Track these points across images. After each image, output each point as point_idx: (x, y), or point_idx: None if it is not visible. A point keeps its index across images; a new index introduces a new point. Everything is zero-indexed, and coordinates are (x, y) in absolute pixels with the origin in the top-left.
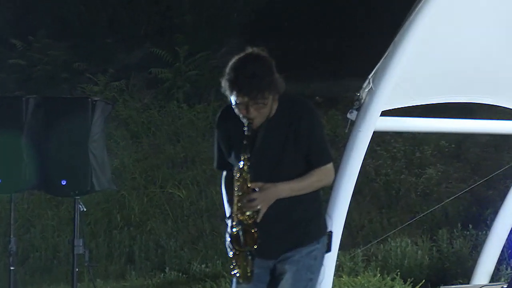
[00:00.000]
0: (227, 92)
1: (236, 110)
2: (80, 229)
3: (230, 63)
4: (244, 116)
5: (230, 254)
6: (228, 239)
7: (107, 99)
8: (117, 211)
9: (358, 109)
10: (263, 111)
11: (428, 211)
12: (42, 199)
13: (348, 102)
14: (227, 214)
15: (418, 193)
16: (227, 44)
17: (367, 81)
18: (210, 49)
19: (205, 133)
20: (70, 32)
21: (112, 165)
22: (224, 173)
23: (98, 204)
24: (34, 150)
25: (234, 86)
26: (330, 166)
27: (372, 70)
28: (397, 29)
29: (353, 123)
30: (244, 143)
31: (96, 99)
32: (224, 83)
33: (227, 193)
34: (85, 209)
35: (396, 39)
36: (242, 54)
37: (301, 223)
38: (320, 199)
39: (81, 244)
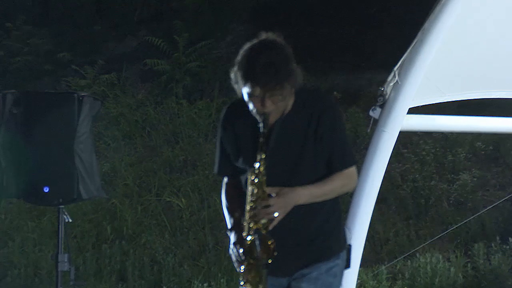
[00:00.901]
0: (238, 85)
1: (249, 105)
2: (65, 242)
3: (242, 51)
4: (258, 112)
5: (241, 268)
6: (240, 250)
7: (95, 95)
8: (107, 222)
9: (382, 106)
10: (280, 104)
11: (462, 223)
12: (22, 208)
13: (370, 98)
14: (229, 226)
15: (451, 201)
16: (233, 32)
17: (392, 74)
18: (214, 37)
19: (208, 134)
20: (53, 18)
21: (102, 170)
22: (226, 179)
23: (85, 215)
24: (13, 153)
25: (248, 76)
26: (353, 169)
27: (397, 61)
28: (426, 14)
29: (376, 122)
30: (260, 141)
31: (83, 94)
32: (235, 74)
33: (229, 202)
34: (70, 220)
35: (425, 25)
36: (255, 41)
37: (320, 235)
38: (340, 208)
39: (66, 260)
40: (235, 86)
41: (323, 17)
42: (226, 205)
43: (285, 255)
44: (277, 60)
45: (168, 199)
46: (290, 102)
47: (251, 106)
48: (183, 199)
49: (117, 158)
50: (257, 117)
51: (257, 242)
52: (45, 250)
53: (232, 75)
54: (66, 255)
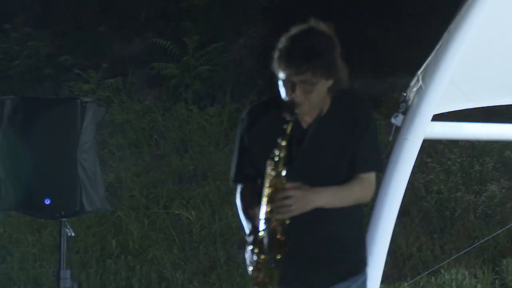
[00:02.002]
0: (275, 67)
1: (281, 92)
2: (67, 258)
3: (288, 33)
4: (287, 100)
5: (250, 269)
6: (250, 247)
7: (99, 100)
8: (112, 236)
9: (404, 113)
10: (311, 97)
11: (490, 236)
12: (21, 221)
13: (392, 104)
14: (247, 231)
15: (478, 214)
16: (246, 33)
17: (415, 78)
18: (226, 39)
19: (219, 142)
20: (54, 19)
21: (106, 181)
22: (240, 187)
23: (89, 228)
24: (11, 162)
25: (282, 56)
26: (373, 176)
27: (421, 65)
28: (452, 14)
29: (398, 130)
30: (284, 127)
31: (86, 100)
32: (275, 55)
33: (246, 205)
34: (73, 234)
35: (451, 26)
36: (303, 25)
37: (353, 247)
38: (364, 217)
39: (68, 277)
40: (274, 71)
41: (341, 17)
42: (243, 209)
43: (319, 268)
44: (318, 47)
45: (177, 212)
46: (327, 102)
47: (283, 93)
48: (192, 212)
49: (123, 168)
50: (287, 107)
51: (265, 238)
52: (46, 266)
53: (274, 59)
54: (68, 271)
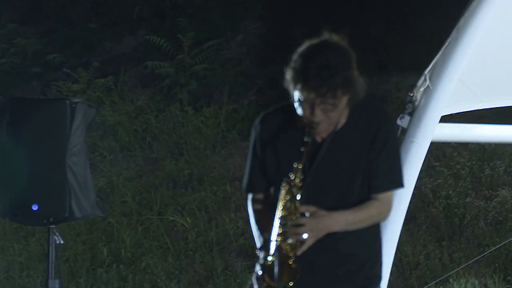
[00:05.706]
0: (290, 86)
1: (298, 110)
2: (56, 267)
3: (300, 49)
4: (305, 119)
5: None
6: (260, 272)
7: (90, 101)
8: (103, 244)
9: (411, 114)
10: (332, 115)
11: (501, 244)
12: (7, 229)
13: (398, 105)
14: (258, 245)
15: (488, 221)
16: (245, 30)
17: (422, 78)
18: (223, 36)
19: (216, 145)
20: (42, 15)
21: (97, 185)
22: (250, 195)
23: (78, 235)
24: None
25: (300, 77)
26: (390, 194)
27: (429, 63)
28: (461, 10)
29: (405, 132)
30: (301, 150)
31: (76, 100)
32: (288, 73)
33: (259, 217)
34: (62, 242)
35: (460, 23)
36: (316, 40)
37: (371, 260)
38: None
39: (57, 286)
40: (288, 88)
41: (344, 13)
42: (255, 219)
43: (334, 283)
44: (335, 64)
45: (172, 218)
46: (345, 114)
47: (300, 111)
48: (188, 218)
49: (114, 172)
50: (305, 125)
51: (275, 264)
52: (33, 275)
53: (286, 75)
54: (57, 281)
